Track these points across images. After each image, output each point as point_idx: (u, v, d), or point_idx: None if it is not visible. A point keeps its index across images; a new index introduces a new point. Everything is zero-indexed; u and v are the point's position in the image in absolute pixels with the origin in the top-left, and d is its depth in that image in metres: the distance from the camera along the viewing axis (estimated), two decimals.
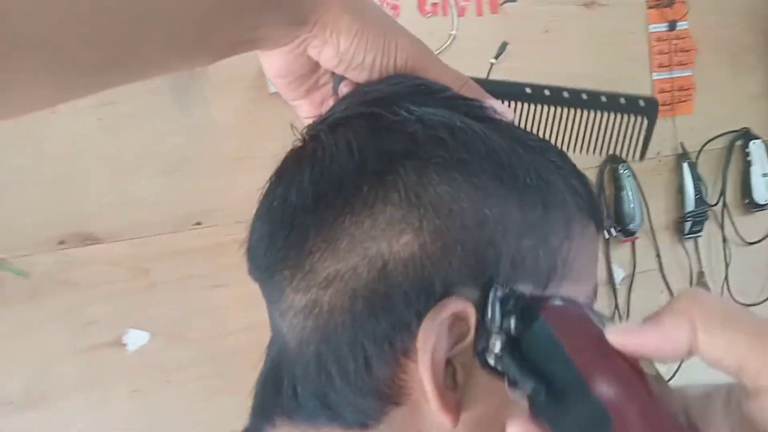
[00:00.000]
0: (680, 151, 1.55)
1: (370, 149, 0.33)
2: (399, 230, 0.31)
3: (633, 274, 1.50)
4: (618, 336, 0.25)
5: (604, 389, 0.24)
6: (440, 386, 0.30)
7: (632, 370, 0.25)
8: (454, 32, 1.36)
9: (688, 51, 1.57)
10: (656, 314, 0.25)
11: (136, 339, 1.20)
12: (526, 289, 0.31)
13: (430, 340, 0.29)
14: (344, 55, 0.35)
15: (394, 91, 0.35)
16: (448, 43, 1.35)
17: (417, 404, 0.31)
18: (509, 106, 0.40)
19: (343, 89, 0.38)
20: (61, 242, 1.13)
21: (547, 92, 0.43)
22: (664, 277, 1.53)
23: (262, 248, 0.34)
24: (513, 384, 0.28)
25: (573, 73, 1.46)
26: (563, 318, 0.27)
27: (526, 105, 0.42)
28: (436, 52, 1.32)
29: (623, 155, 0.45)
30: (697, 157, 1.56)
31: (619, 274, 1.51)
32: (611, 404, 0.24)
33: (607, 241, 1.50)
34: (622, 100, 0.44)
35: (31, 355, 1.11)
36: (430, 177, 0.32)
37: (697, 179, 1.52)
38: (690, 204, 1.51)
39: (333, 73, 0.38)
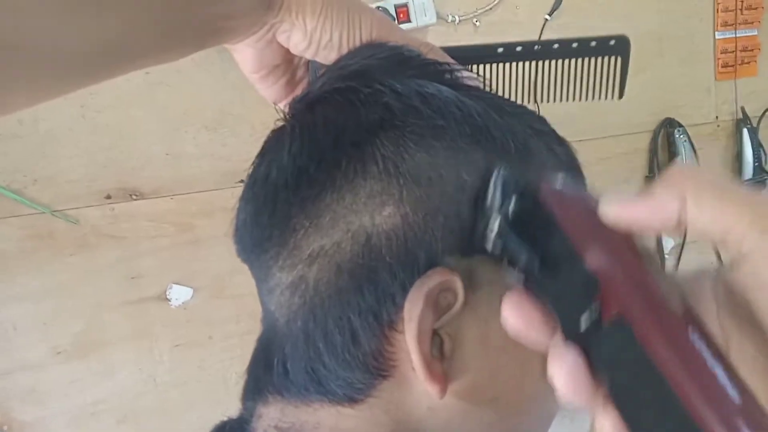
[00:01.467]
0: (740, 115, 1.50)
1: (347, 123, 0.33)
2: (380, 202, 0.31)
3: (683, 244, 1.49)
4: (611, 206, 0.25)
5: (595, 258, 0.25)
6: (427, 356, 0.30)
7: (624, 243, 0.25)
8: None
9: (755, 9, 1.51)
10: (648, 188, 0.25)
11: (179, 294, 1.24)
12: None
13: (415, 310, 0.30)
14: (312, 35, 0.36)
15: (368, 64, 0.35)
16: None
17: (404, 376, 0.32)
18: (484, 68, 0.41)
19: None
20: (108, 196, 1.17)
21: (519, 48, 0.43)
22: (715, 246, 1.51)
23: (248, 229, 0.35)
24: (511, 264, 0.28)
25: (633, 30, 1.42)
26: (560, 197, 0.28)
27: (501, 65, 0.43)
28: (488, 7, 1.31)
29: (603, 96, 0.46)
30: (758, 123, 1.51)
31: (668, 242, 1.49)
32: (600, 270, 0.25)
33: None
34: (593, 44, 0.45)
35: (80, 305, 1.16)
36: (407, 146, 0.32)
37: (757, 146, 1.48)
38: (748, 171, 1.48)
39: (308, 66, 0.40)
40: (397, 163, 0.32)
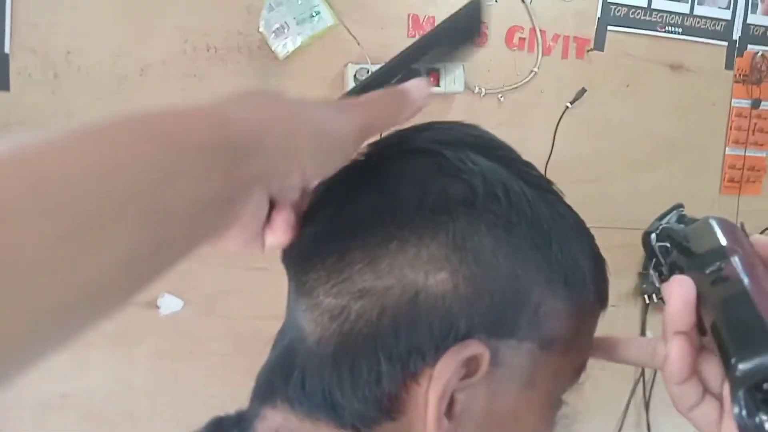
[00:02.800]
0: None
1: (433, 188, 0.36)
2: (438, 267, 0.34)
3: None
4: (759, 241, 0.36)
5: (729, 246, 0.36)
6: (441, 413, 0.34)
7: (750, 250, 0.36)
8: (535, 69, 1.42)
9: (766, 133, 1.60)
10: None
11: (170, 304, 1.28)
12: (532, 348, 0.36)
13: (446, 373, 0.33)
14: (287, 185, 0.32)
15: (459, 138, 0.39)
16: (528, 78, 1.42)
17: (409, 423, 0.35)
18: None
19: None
20: None
21: (413, 53, 0.45)
22: None
23: (304, 243, 0.36)
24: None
25: (647, 130, 1.51)
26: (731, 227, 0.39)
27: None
28: (515, 86, 1.40)
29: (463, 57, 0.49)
30: None
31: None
32: (734, 258, 0.35)
33: (646, 307, 1.54)
34: (455, 19, 0.46)
35: None
36: (479, 228, 0.35)
37: None
38: None
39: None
40: (465, 240, 0.35)
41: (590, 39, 1.46)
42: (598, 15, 1.46)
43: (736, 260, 0.35)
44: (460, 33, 0.48)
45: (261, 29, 1.25)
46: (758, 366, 0.29)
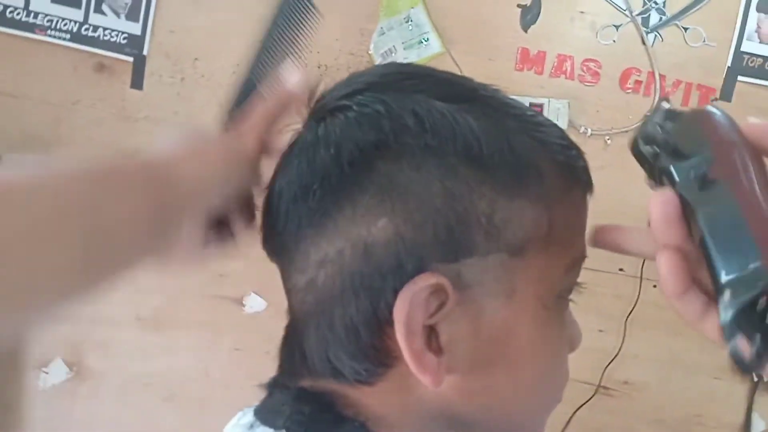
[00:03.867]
0: None
1: (345, 143, 0.37)
2: (375, 215, 0.35)
3: None
4: (750, 127, 0.33)
5: (718, 147, 0.33)
6: (416, 351, 0.34)
7: (743, 146, 0.33)
8: (649, 113, 1.37)
9: None
10: None
11: (254, 303, 1.36)
12: (501, 258, 0.36)
13: (402, 311, 0.34)
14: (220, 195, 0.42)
15: (372, 81, 0.39)
16: (641, 122, 1.37)
17: (407, 365, 0.35)
18: None
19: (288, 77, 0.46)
20: None
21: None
22: None
23: (268, 237, 0.40)
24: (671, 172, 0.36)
25: None
26: (715, 118, 0.35)
27: None
28: (625, 129, 1.36)
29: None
30: None
31: (758, 425, 1.42)
32: (719, 151, 0.33)
33: (755, 384, 1.41)
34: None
35: (168, 284, 1.31)
36: (400, 164, 0.35)
37: None
38: None
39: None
40: (391, 179, 0.35)
41: (716, 88, 1.39)
42: (728, 64, 1.39)
43: (724, 159, 0.33)
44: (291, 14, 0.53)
45: (370, 51, 1.32)
46: (745, 285, 0.29)
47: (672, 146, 0.36)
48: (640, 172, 1.40)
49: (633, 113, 1.38)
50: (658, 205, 0.33)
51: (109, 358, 1.30)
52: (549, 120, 0.40)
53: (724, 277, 0.30)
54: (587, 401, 1.40)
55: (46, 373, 1.26)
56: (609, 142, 1.37)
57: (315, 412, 0.38)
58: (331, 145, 0.37)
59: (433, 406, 0.38)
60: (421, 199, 0.35)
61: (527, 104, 1.28)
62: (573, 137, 1.35)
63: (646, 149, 0.38)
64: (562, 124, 1.31)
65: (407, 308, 0.34)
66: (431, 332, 0.35)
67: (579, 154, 0.40)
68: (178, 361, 1.34)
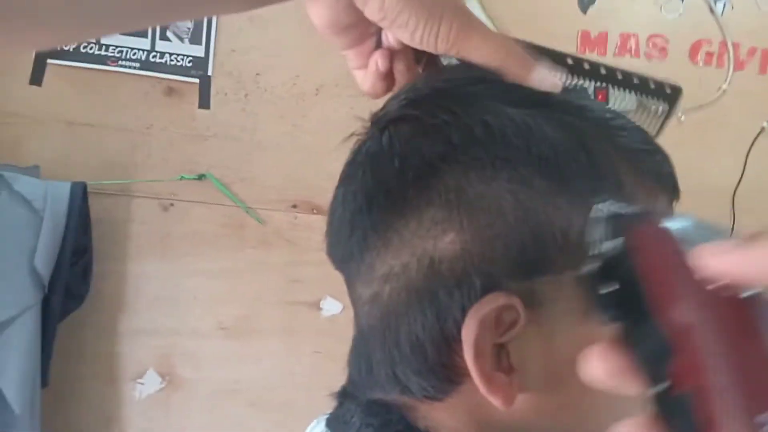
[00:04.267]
0: None
1: (411, 155, 0.35)
2: (442, 230, 0.34)
3: None
4: (704, 255, 0.23)
5: (674, 318, 0.23)
6: (485, 372, 0.33)
7: (716, 301, 0.22)
8: (725, 86, 1.31)
9: None
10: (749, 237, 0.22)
11: (331, 306, 1.39)
12: (575, 275, 0.32)
13: (471, 334, 0.32)
14: (389, 11, 0.35)
15: (439, 88, 0.37)
16: (715, 96, 1.31)
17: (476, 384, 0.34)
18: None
19: (390, 39, 0.39)
20: (294, 206, 1.37)
21: (586, 66, 0.45)
22: None
23: (333, 247, 0.39)
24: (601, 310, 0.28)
25: None
26: (653, 241, 0.25)
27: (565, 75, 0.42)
28: (699, 104, 1.30)
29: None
30: None
31: None
32: (675, 333, 0.23)
33: None
34: (652, 84, 0.45)
35: (247, 293, 1.36)
36: (469, 177, 0.34)
37: None
38: None
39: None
40: (459, 194, 0.34)
41: None
42: None
43: (683, 353, 0.23)
44: (649, 95, 0.48)
45: None
46: None
47: (621, 288, 0.26)
48: (718, 149, 1.36)
49: (706, 87, 1.32)
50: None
51: (197, 367, 1.37)
52: (631, 122, 0.38)
53: None
54: None
55: (142, 384, 1.34)
56: (683, 119, 1.32)
57: (383, 424, 0.37)
58: (395, 156, 0.36)
59: (508, 425, 0.36)
60: (492, 215, 0.33)
61: (592, 86, 1.25)
62: (643, 117, 1.29)
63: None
64: (631, 104, 1.27)
65: (476, 329, 0.32)
66: (501, 350, 0.34)
67: (665, 158, 0.38)
68: (262, 367, 1.39)
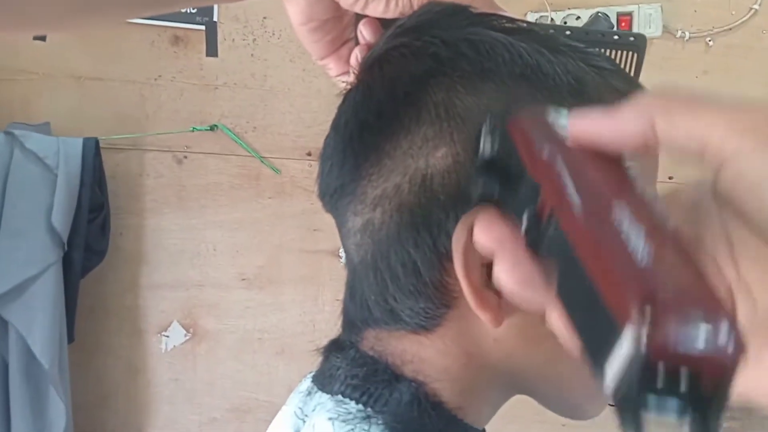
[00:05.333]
0: None
1: (400, 75, 0.36)
2: (434, 145, 0.34)
3: None
4: (574, 122, 0.26)
5: (539, 159, 0.26)
6: (475, 285, 0.32)
7: (581, 156, 0.25)
8: (756, 6, 1.24)
9: None
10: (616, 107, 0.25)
11: None
12: None
13: (460, 242, 0.32)
14: None
15: (422, 20, 0.38)
16: (746, 17, 1.25)
17: (467, 306, 0.33)
18: None
19: (362, 28, 0.41)
20: (309, 153, 1.35)
21: (550, 31, 0.45)
22: None
23: (325, 180, 0.39)
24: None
25: None
26: (531, 124, 0.29)
27: None
28: (728, 26, 1.24)
29: None
30: None
31: None
32: (539, 171, 0.26)
33: None
34: (616, 37, 0.49)
35: (267, 243, 1.36)
36: (456, 90, 0.35)
37: None
38: None
39: (356, 27, 0.42)
40: (448, 108, 0.35)
41: None
42: None
43: (547, 183, 0.25)
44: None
45: None
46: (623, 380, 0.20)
47: (504, 175, 0.29)
48: (749, 74, 1.30)
49: (736, 8, 1.25)
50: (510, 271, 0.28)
51: (221, 318, 1.38)
52: (606, 55, 0.39)
53: (597, 370, 0.22)
54: None
55: (167, 336, 1.36)
56: (710, 43, 1.26)
57: (369, 374, 0.37)
58: (386, 79, 0.37)
59: (495, 357, 0.36)
60: (480, 124, 0.33)
61: (614, 13, 1.20)
62: (670, 43, 1.26)
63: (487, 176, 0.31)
64: (656, 30, 1.22)
65: (465, 238, 0.32)
66: (492, 271, 0.33)
67: (641, 90, 0.38)
68: (286, 316, 1.40)
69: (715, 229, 0.24)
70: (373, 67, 0.38)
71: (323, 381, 0.39)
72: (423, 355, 0.37)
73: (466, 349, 0.36)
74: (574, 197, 0.24)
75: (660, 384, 0.20)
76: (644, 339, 0.20)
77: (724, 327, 0.20)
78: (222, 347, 1.39)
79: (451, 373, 0.36)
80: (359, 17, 0.43)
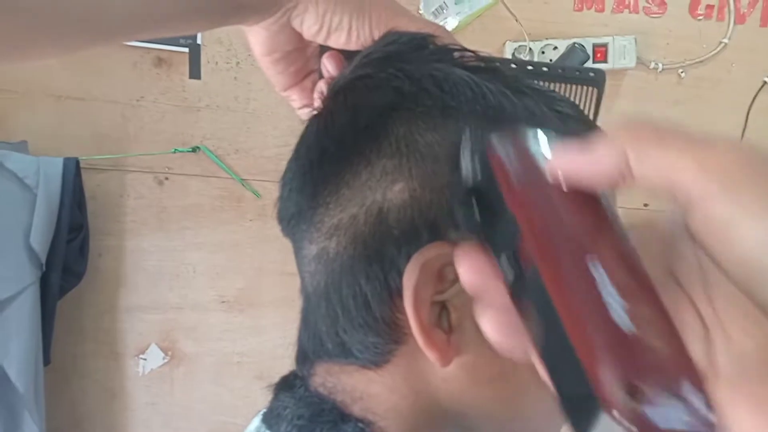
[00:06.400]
0: None
1: (363, 106, 0.36)
2: (392, 179, 0.34)
3: None
4: (555, 158, 0.26)
5: (519, 208, 0.25)
6: (424, 324, 0.32)
7: (561, 196, 0.25)
8: (725, 40, 1.30)
9: None
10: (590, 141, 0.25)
11: None
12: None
13: (411, 279, 0.32)
14: (324, 17, 0.39)
15: (389, 51, 0.38)
16: (716, 50, 1.30)
17: (417, 343, 0.33)
18: None
19: (325, 61, 0.42)
20: None
21: (512, 65, 0.48)
22: None
23: (283, 205, 0.40)
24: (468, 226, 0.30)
25: None
26: (511, 151, 0.28)
27: None
28: (699, 59, 1.29)
29: None
30: None
31: None
32: (520, 214, 0.25)
33: None
34: (577, 72, 0.51)
35: (249, 264, 1.36)
36: (417, 126, 0.35)
37: None
38: None
39: (319, 58, 0.43)
40: (408, 143, 0.35)
41: None
42: None
43: (528, 230, 0.24)
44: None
45: (421, 10, 1.30)
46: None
47: (485, 206, 0.28)
48: (719, 105, 1.36)
49: (707, 41, 1.31)
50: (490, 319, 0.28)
51: (200, 341, 1.37)
52: (568, 99, 0.39)
53: (566, 410, 0.23)
54: None
55: (144, 359, 1.34)
56: (683, 75, 1.31)
57: (315, 414, 0.37)
58: (349, 108, 0.37)
59: (443, 396, 0.36)
60: (439, 163, 0.34)
61: (591, 44, 1.24)
62: (643, 74, 1.31)
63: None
64: (630, 62, 1.26)
65: (417, 275, 0.32)
66: (443, 311, 0.34)
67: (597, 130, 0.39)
68: (265, 339, 1.39)
69: (691, 264, 0.23)
70: (337, 96, 0.39)
71: (271, 420, 0.39)
72: (371, 392, 0.36)
73: (415, 387, 0.36)
74: (553, 247, 0.24)
75: None
76: (626, 420, 0.20)
77: (702, 400, 0.20)
78: (200, 370, 1.38)
79: (399, 411, 0.36)
80: (323, 49, 0.43)
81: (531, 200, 0.25)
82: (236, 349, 1.39)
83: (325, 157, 0.37)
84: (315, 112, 0.40)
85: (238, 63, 1.34)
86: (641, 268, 0.23)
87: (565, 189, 0.25)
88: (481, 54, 0.39)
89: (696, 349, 0.22)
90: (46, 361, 1.19)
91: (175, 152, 1.31)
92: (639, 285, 0.23)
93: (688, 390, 0.20)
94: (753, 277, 0.21)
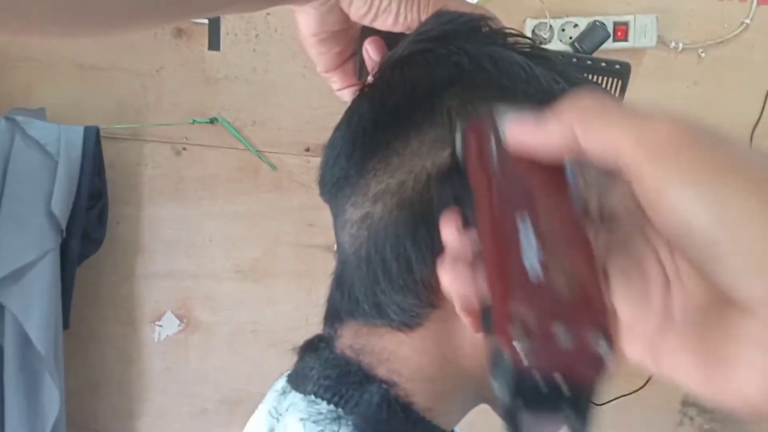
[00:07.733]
0: None
1: (421, 78, 0.38)
2: (441, 147, 0.36)
3: None
4: (510, 130, 0.28)
5: (480, 170, 0.28)
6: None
7: (513, 157, 0.27)
8: (747, 21, 1.29)
9: None
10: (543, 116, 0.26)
11: None
12: None
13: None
14: (374, 2, 0.39)
15: (446, 30, 0.39)
16: (737, 31, 1.29)
17: (452, 309, 0.33)
18: None
19: (368, 46, 0.43)
20: (307, 149, 1.37)
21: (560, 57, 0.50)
22: None
23: (329, 169, 0.41)
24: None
25: None
26: (473, 129, 0.30)
27: None
28: (720, 39, 1.28)
29: None
30: None
31: None
32: (473, 184, 0.28)
33: None
34: (603, 64, 0.52)
35: (262, 236, 1.38)
36: (472, 100, 0.36)
37: None
38: None
39: (360, 43, 0.44)
40: (461, 115, 0.36)
41: None
42: None
43: (478, 193, 0.27)
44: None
45: None
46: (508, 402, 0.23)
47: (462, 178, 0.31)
48: (738, 86, 1.35)
49: (729, 22, 1.29)
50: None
51: (215, 309, 1.40)
52: (611, 92, 0.41)
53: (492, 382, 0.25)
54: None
55: (160, 326, 1.37)
56: (703, 55, 1.30)
57: (342, 375, 0.38)
58: (407, 81, 0.38)
59: (471, 363, 0.37)
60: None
61: (611, 23, 1.23)
62: (663, 53, 1.30)
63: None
64: (650, 41, 1.26)
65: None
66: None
67: None
68: (279, 309, 1.42)
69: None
70: (394, 68, 0.40)
71: (297, 380, 0.40)
72: (400, 354, 0.38)
73: (444, 352, 0.37)
74: (490, 206, 0.26)
75: (530, 393, 0.22)
76: (513, 354, 0.22)
77: (603, 346, 0.22)
78: (215, 338, 1.40)
79: (426, 374, 0.37)
80: (363, 33, 0.44)
81: (484, 168, 0.28)
82: (250, 318, 1.41)
83: (378, 126, 0.38)
84: (368, 83, 0.41)
85: (257, 35, 1.35)
86: (581, 231, 0.26)
87: (518, 158, 0.27)
88: (530, 38, 0.41)
89: (656, 300, 0.24)
90: (65, 325, 1.22)
91: (193, 123, 1.33)
92: (568, 242, 0.25)
93: (587, 334, 0.22)
94: (682, 240, 0.23)
